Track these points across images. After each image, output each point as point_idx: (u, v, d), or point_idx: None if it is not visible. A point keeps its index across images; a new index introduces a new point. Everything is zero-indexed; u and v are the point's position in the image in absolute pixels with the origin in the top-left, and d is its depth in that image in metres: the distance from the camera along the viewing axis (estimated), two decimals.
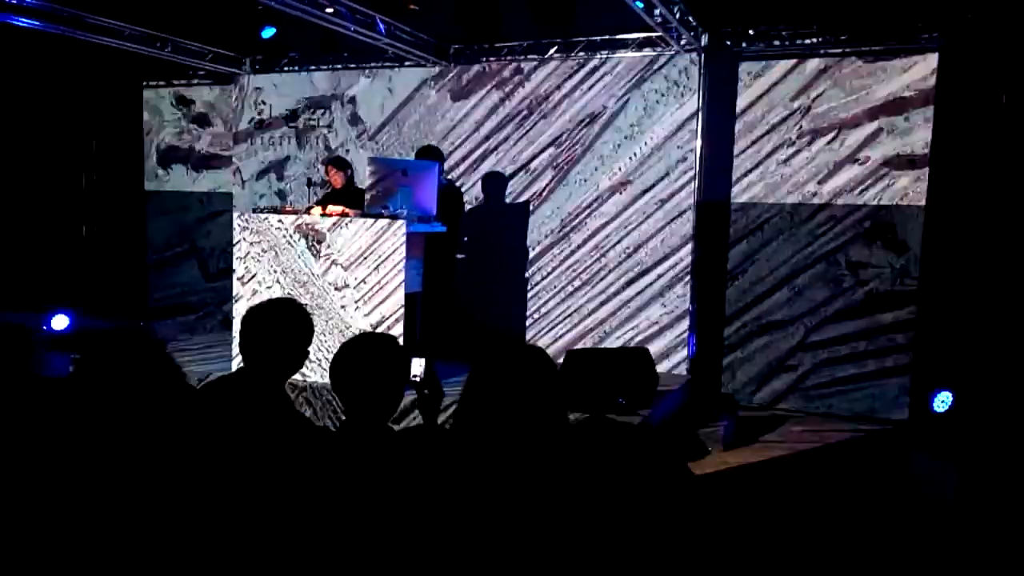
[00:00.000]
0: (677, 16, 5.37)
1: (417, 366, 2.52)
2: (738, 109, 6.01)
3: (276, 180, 7.59)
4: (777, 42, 5.80)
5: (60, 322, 6.64)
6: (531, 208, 6.55)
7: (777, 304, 6.03)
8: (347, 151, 7.15)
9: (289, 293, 5.09)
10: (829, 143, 5.78)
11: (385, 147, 7.06)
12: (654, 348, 6.03)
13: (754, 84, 5.96)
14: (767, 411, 5.98)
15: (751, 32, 5.82)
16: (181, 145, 8.20)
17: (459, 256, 6.20)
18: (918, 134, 5.52)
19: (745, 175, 6.04)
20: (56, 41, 6.30)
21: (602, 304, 6.37)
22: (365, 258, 5.01)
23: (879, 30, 5.52)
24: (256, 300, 2.84)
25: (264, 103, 7.55)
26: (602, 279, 6.35)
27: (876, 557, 3.66)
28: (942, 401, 5.28)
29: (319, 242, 5.11)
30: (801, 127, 5.84)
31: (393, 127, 7.05)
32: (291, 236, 5.18)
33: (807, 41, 5.73)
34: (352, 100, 7.21)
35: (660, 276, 6.17)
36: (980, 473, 4.41)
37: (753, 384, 6.13)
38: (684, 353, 6.15)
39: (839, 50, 5.69)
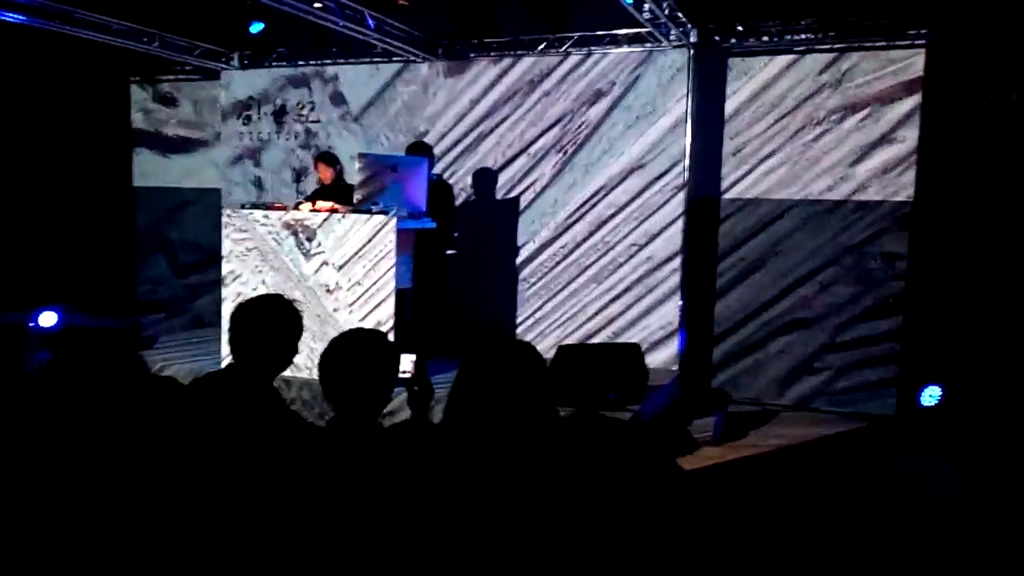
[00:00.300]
0: (666, 12, 5.37)
1: (407, 362, 2.52)
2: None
3: (253, 167, 7.42)
4: (766, 38, 5.80)
5: (48, 319, 6.61)
6: (526, 203, 6.46)
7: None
8: (328, 135, 7.02)
9: (276, 291, 5.05)
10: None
11: (371, 131, 6.91)
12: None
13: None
14: (758, 406, 6.00)
15: (740, 28, 5.83)
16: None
17: (449, 252, 6.19)
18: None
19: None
20: (42, 36, 6.25)
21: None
22: (355, 255, 4.99)
23: (868, 27, 5.54)
24: (241, 300, 2.81)
25: (242, 89, 7.41)
26: (608, 276, 6.25)
27: (865, 553, 3.68)
28: (930, 396, 5.30)
29: (308, 239, 5.09)
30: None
31: (380, 106, 6.87)
32: (278, 233, 5.15)
33: (797, 37, 5.74)
34: (335, 78, 7.04)
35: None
36: (974, 469, 4.44)
37: (762, 379, 6.14)
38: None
39: (827, 46, 5.71)
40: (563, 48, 6.27)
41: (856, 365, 5.83)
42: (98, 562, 2.15)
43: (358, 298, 5.00)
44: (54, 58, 7.23)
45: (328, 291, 5.07)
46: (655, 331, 6.11)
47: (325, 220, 5.04)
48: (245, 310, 2.42)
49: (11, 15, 5.67)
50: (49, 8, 5.82)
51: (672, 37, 5.80)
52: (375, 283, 4.96)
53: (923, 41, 5.44)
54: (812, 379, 5.97)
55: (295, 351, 2.46)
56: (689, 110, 5.88)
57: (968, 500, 4.11)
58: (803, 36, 5.72)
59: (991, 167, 5.33)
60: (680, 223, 5.99)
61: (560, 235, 6.38)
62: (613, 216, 6.19)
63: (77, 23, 6.07)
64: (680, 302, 6.04)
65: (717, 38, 5.89)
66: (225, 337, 5.10)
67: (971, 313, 5.39)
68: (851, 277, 5.80)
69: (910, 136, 5.55)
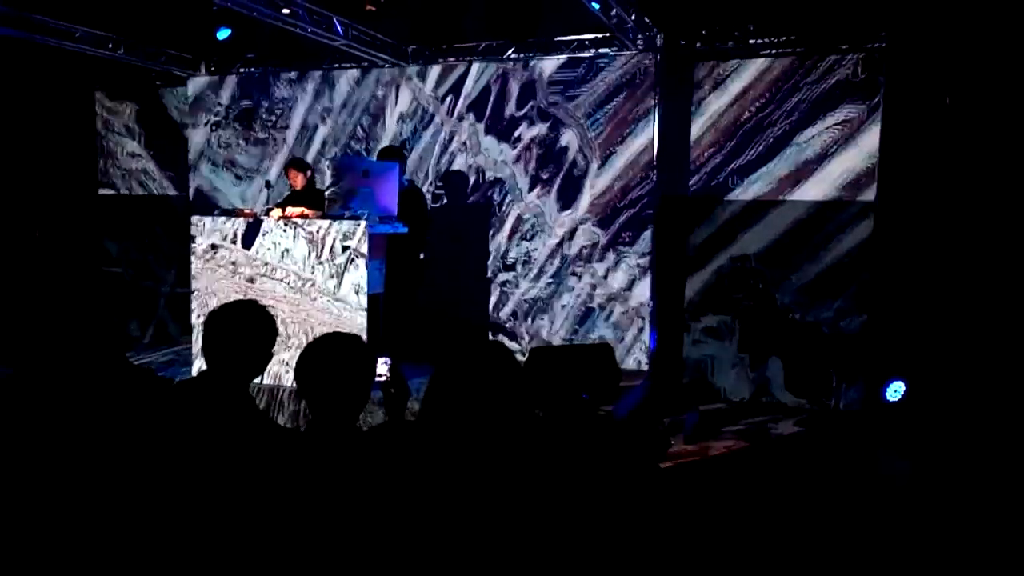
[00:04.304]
0: (633, 17, 5.45)
1: (382, 366, 2.53)
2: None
3: (221, 173, 7.37)
4: (731, 43, 5.92)
5: None
6: (496, 207, 6.50)
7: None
8: (296, 139, 7.02)
9: (247, 297, 5.03)
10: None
11: (337, 136, 6.96)
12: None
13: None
14: (729, 404, 6.08)
15: (704, 33, 5.93)
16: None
17: (422, 256, 6.19)
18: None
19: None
20: (6, 43, 6.16)
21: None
22: (326, 260, 4.99)
23: (830, 33, 5.67)
24: (211, 307, 2.80)
25: (209, 95, 7.39)
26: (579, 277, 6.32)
27: (836, 549, 3.74)
28: (895, 391, 5.42)
29: (278, 245, 5.07)
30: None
31: (346, 111, 6.90)
32: (248, 240, 5.13)
33: (759, 41, 5.86)
34: (303, 82, 7.05)
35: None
36: (935, 461, 4.53)
37: (732, 376, 6.23)
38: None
39: (790, 50, 5.83)
40: (530, 53, 6.32)
41: (822, 361, 5.94)
42: (71, 564, 2.14)
43: (330, 303, 4.99)
44: (17, 64, 7.12)
45: (300, 296, 5.05)
46: (626, 330, 6.15)
47: (296, 226, 5.03)
48: (219, 316, 2.41)
49: None
50: (10, 14, 5.74)
51: (639, 42, 5.88)
52: (342, 282, 4.95)
53: (883, 46, 5.57)
54: (781, 376, 6.07)
55: (270, 357, 2.45)
56: (656, 113, 5.96)
57: (926, 491, 4.21)
58: (766, 40, 5.84)
59: (950, 168, 5.47)
60: (649, 223, 6.06)
61: (530, 238, 6.41)
62: (583, 219, 6.25)
63: (40, 29, 5.99)
64: (651, 302, 6.10)
65: (683, 43, 5.98)
66: (196, 346, 5.08)
67: (934, 309, 5.53)
68: (817, 275, 5.91)
69: (872, 139, 5.68)
